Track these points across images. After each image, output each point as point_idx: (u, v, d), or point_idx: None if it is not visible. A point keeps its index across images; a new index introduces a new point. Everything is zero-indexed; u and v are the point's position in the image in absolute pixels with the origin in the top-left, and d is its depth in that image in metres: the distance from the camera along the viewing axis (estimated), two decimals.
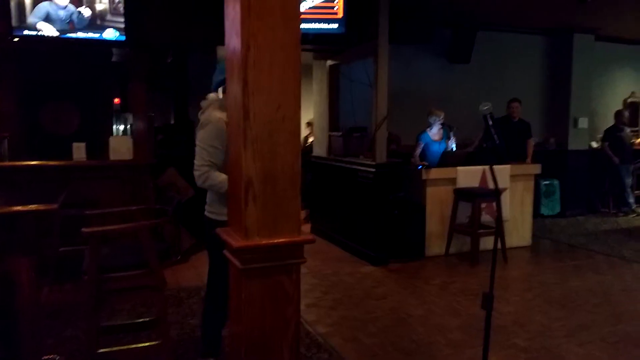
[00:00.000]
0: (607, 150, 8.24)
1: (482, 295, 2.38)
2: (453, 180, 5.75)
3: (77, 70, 5.56)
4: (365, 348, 3.50)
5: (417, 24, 6.98)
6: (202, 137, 2.73)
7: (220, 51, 6.80)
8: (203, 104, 2.90)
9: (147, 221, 2.70)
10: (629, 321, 3.94)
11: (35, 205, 2.59)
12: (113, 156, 4.95)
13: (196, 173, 2.72)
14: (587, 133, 8.53)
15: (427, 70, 7.70)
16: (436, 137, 6.16)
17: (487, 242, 5.63)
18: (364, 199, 5.71)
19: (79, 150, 4.88)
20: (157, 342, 2.87)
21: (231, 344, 2.00)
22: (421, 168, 5.69)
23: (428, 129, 6.18)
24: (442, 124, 6.13)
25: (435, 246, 5.79)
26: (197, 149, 2.74)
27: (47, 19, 4.62)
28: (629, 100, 9.51)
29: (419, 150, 6.12)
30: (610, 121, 8.53)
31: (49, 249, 4.05)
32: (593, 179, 8.55)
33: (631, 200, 8.32)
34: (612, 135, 8.27)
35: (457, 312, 4.12)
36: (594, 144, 8.80)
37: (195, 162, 2.73)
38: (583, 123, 8.38)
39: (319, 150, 7.04)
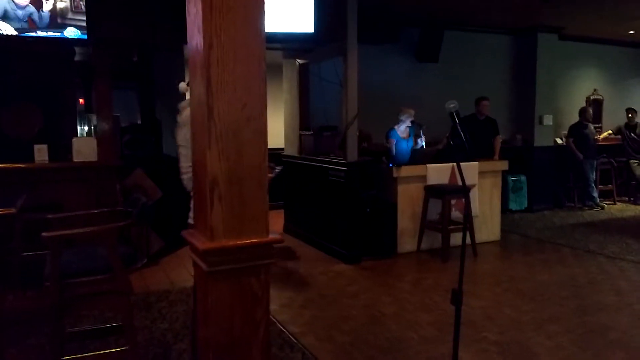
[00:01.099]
0: (571, 146, 8.44)
1: (452, 291, 2.39)
2: (423, 178, 5.80)
3: (39, 70, 5.39)
4: (338, 347, 3.48)
5: (384, 23, 7.02)
6: (183, 137, 2.52)
7: (187, 50, 6.69)
8: (181, 104, 2.75)
9: (110, 224, 2.62)
10: (595, 313, 4.03)
11: None
12: (77, 158, 4.81)
13: (184, 177, 2.50)
14: (552, 130, 8.74)
15: (396, 69, 7.75)
16: (404, 135, 6.21)
17: (457, 238, 5.69)
18: (335, 198, 5.71)
19: (41, 152, 4.73)
20: (124, 348, 2.79)
21: (200, 347, 1.96)
22: (392, 166, 5.72)
23: (396, 126, 6.22)
24: (412, 122, 6.19)
25: (407, 243, 5.83)
26: (180, 150, 2.53)
27: (4, 17, 4.46)
28: (592, 97, 9.77)
29: (393, 147, 6.16)
30: (573, 118, 8.75)
31: (11, 255, 3.91)
32: (558, 175, 8.77)
33: (595, 194, 8.55)
34: (577, 131, 8.48)
35: (429, 308, 4.15)
36: (559, 141, 9.02)
37: (182, 165, 2.52)
38: (548, 120, 8.59)
39: (290, 149, 7.01)
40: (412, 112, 6.19)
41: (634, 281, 4.80)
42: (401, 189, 5.76)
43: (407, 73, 7.84)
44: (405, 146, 6.18)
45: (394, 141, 6.16)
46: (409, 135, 6.22)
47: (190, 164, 2.44)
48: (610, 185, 8.99)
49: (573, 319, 3.92)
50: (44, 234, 2.43)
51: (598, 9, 7.16)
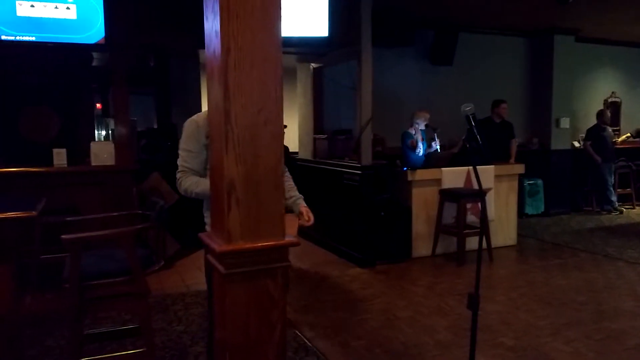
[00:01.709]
0: (589, 149, 8.34)
1: (468, 296, 2.38)
2: (438, 181, 5.78)
3: (57, 75, 5.48)
4: (353, 351, 3.48)
5: (399, 26, 7.01)
6: (180, 142, 2.61)
7: (203, 55, 6.76)
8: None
9: (128, 227, 2.65)
10: (613, 318, 3.98)
11: (14, 213, 2.53)
12: (95, 162, 4.87)
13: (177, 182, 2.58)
14: (569, 133, 8.64)
15: (411, 72, 7.73)
16: (418, 138, 6.21)
17: (473, 242, 5.65)
18: (350, 201, 5.70)
19: (60, 156, 4.80)
20: (141, 350, 2.82)
21: (216, 349, 1.97)
22: (406, 169, 5.70)
23: (410, 129, 6.21)
24: (425, 125, 6.18)
25: (421, 247, 5.80)
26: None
27: None
28: (610, 100, 9.64)
29: (420, 143, 6.13)
30: (591, 121, 8.64)
31: (30, 257, 3.97)
32: (576, 178, 8.66)
33: (613, 198, 8.43)
34: (595, 134, 8.37)
35: (444, 313, 4.13)
36: (576, 144, 8.91)
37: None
38: (565, 123, 8.49)
39: (305, 153, 7.02)
40: (427, 115, 6.18)
41: None
42: (416, 192, 5.74)
43: (421, 76, 7.81)
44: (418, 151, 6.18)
45: (415, 141, 6.14)
46: (423, 139, 6.21)
47: (177, 170, 2.54)
48: (629, 189, 8.85)
49: (590, 324, 3.87)
50: (64, 236, 2.47)
51: (615, 11, 7.07)
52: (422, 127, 6.18)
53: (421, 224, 5.79)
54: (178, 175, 2.56)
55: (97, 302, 2.70)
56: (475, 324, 2.40)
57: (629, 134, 9.45)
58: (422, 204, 5.78)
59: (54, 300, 4.32)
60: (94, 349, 3.23)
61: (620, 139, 9.24)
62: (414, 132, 6.15)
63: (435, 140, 6.18)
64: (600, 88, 9.55)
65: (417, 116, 6.18)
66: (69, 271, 2.56)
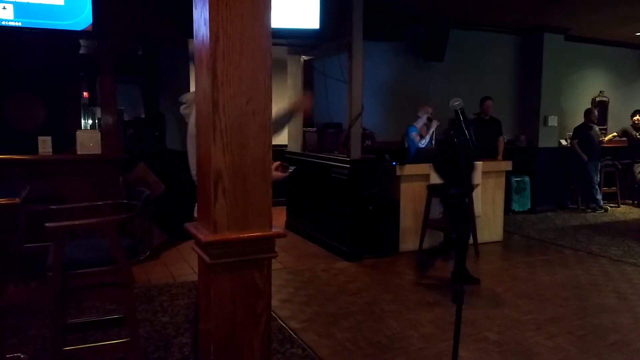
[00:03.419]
0: (576, 148, 8.41)
1: (453, 290, 2.39)
2: (426, 177, 5.78)
3: (43, 62, 5.39)
4: (338, 343, 3.49)
5: (390, 21, 7.00)
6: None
7: (192, 44, 6.69)
8: (186, 97, 2.75)
9: (112, 216, 2.62)
10: (596, 314, 4.03)
11: None
12: (80, 150, 4.82)
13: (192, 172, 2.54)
14: (556, 131, 8.70)
15: (402, 67, 7.73)
16: (422, 132, 6.26)
17: None
18: (338, 195, 5.70)
19: (45, 144, 4.73)
20: (125, 340, 2.80)
21: (200, 340, 1.96)
22: (395, 164, 5.72)
23: (415, 123, 6.25)
24: (428, 119, 6.25)
25: (409, 241, 5.82)
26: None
27: None
28: (598, 99, 9.73)
29: (417, 137, 6.19)
30: (579, 119, 8.72)
31: (14, 245, 3.92)
32: (562, 176, 8.74)
33: (599, 196, 8.53)
34: (582, 133, 8.45)
35: (430, 307, 4.16)
36: (564, 142, 8.99)
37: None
38: (553, 121, 8.55)
39: (294, 146, 7.00)
40: (430, 110, 6.27)
41: (635, 284, 4.79)
42: (404, 187, 5.76)
43: (412, 71, 7.81)
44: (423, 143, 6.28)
45: (417, 134, 6.20)
46: (427, 133, 6.30)
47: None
48: (614, 188, 8.96)
49: (574, 320, 3.92)
50: (48, 224, 2.44)
51: (605, 10, 7.13)
52: (424, 119, 6.25)
53: (409, 218, 5.81)
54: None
55: (81, 291, 2.68)
56: (459, 318, 2.42)
57: (615, 133, 9.55)
58: (410, 198, 5.80)
59: (38, 289, 4.28)
60: (78, 339, 3.20)
61: (606, 138, 9.34)
62: (418, 126, 6.23)
63: (433, 134, 6.27)
64: (588, 87, 9.63)
65: (421, 110, 6.26)
66: (52, 260, 2.53)
